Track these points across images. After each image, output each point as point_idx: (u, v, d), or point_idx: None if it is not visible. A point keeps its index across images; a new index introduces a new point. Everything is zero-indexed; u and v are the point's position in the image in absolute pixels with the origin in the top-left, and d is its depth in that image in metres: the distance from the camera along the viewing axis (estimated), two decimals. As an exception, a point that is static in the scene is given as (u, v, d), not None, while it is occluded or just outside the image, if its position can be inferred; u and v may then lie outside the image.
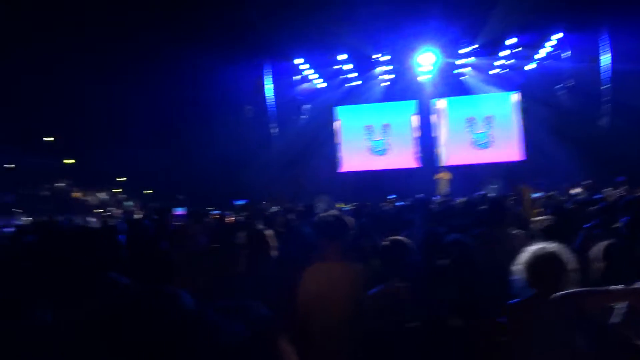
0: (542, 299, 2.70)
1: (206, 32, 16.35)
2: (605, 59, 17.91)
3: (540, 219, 4.25)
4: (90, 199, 22.16)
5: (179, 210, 10.68)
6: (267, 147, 21.60)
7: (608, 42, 17.72)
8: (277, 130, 21.84)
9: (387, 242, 3.49)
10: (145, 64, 17.96)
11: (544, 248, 2.85)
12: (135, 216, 16.96)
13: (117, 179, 24.37)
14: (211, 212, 9.36)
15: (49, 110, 19.76)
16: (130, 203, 22.35)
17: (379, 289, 3.25)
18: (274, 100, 21.54)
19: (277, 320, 1.99)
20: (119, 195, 23.65)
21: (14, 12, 15.50)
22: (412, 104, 22.62)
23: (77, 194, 21.89)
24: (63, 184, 22.06)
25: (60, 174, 22.70)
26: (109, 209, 20.94)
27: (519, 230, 4.68)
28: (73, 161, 23.37)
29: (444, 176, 19.20)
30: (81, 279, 3.17)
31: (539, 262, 2.81)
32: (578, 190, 12.49)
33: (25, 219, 14.53)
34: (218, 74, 18.04)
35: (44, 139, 23.26)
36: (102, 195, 23.05)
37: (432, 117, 22.35)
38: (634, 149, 15.69)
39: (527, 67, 20.45)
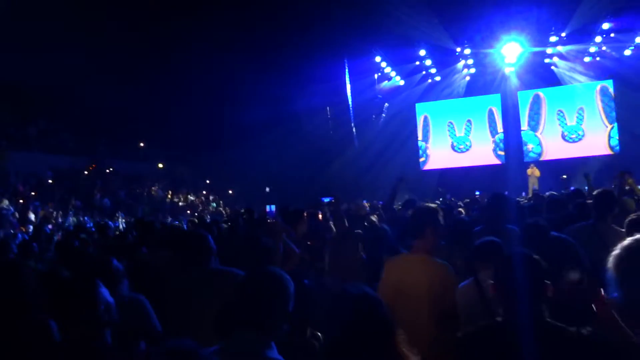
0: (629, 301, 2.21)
1: (288, 33, 16.69)
2: None
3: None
4: (181, 200, 23.31)
5: (270, 208, 11.10)
6: (349, 146, 21.70)
7: None
8: (355, 129, 21.89)
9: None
10: (229, 71, 18.71)
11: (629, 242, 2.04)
12: (224, 215, 17.69)
13: (206, 181, 25.62)
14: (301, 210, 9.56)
15: (143, 120, 21.20)
16: (214, 205, 23.28)
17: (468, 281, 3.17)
18: (353, 99, 21.60)
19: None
20: (208, 197, 24.71)
21: (116, 37, 16.74)
22: (496, 98, 21.85)
23: (169, 196, 23.08)
24: (156, 187, 23.36)
25: (154, 177, 24.11)
26: (199, 209, 21.93)
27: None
28: (161, 166, 24.88)
29: (534, 172, 18.31)
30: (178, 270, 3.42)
31: (625, 258, 2.01)
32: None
33: (122, 220, 15.57)
34: (300, 75, 18.39)
35: (140, 144, 24.91)
36: (192, 197, 24.15)
37: (517, 111, 21.47)
38: None
39: (623, 53, 19.01)
